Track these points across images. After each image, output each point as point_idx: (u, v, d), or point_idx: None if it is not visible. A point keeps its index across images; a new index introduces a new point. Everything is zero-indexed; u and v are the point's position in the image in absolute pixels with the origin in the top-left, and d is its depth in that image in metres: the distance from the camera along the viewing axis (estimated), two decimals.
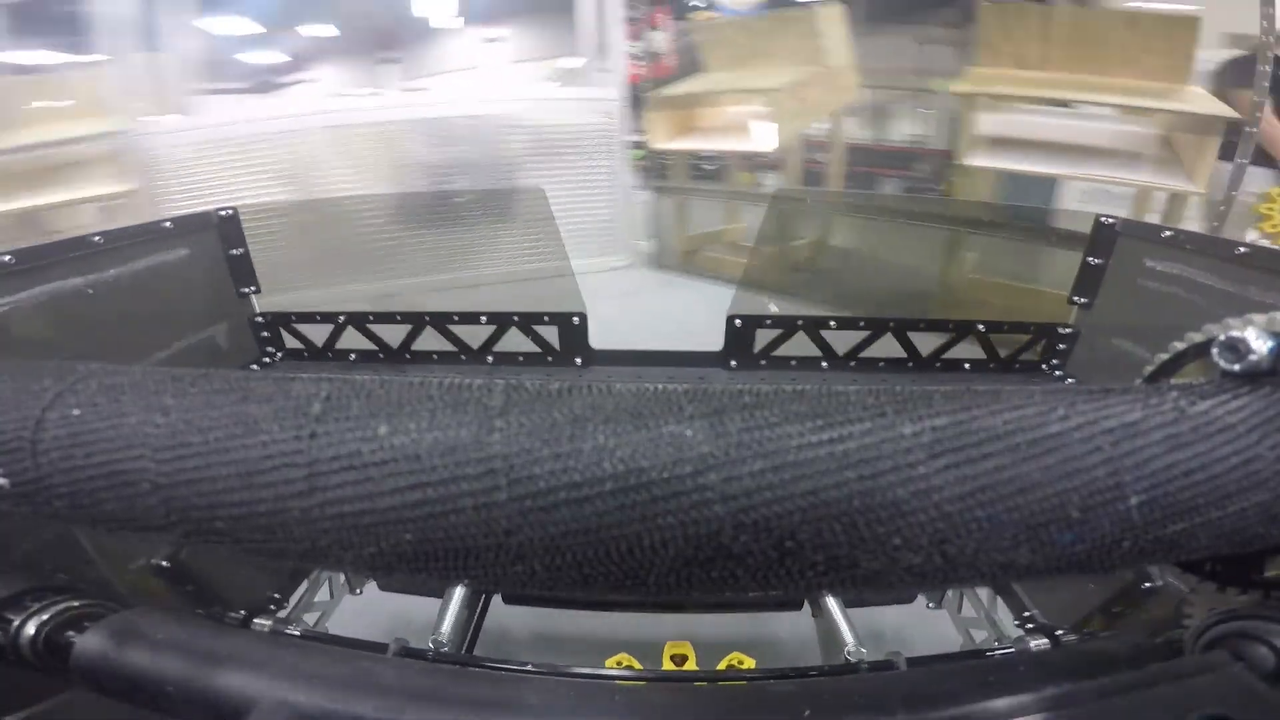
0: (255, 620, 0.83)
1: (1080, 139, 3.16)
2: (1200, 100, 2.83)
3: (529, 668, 0.70)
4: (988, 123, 3.32)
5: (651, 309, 3.91)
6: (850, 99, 4.11)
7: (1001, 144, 3.31)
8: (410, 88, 5.61)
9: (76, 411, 0.28)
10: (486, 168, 4.36)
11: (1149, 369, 0.36)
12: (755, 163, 4.34)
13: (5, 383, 0.30)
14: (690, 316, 3.54)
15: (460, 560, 0.25)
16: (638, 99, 4.39)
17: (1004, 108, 3.31)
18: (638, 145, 4.53)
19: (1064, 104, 3.31)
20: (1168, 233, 0.93)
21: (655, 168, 4.57)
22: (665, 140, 4.28)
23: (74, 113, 3.77)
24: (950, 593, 1.17)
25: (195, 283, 1.10)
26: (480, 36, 6.48)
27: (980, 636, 1.07)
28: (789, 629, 1.60)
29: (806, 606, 0.97)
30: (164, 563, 0.82)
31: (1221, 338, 0.28)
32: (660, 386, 0.27)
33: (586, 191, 4.23)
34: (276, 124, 4.01)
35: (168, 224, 1.03)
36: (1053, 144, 3.22)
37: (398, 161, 4.21)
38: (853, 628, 0.84)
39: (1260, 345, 0.26)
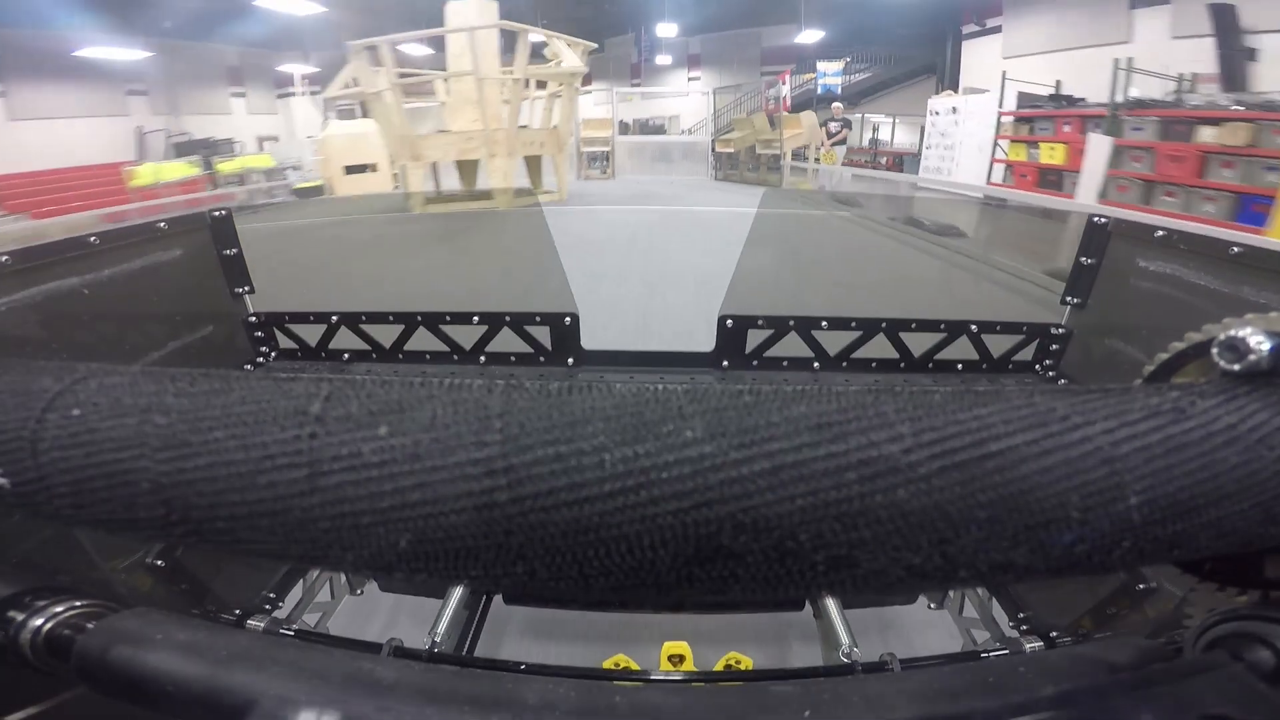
0: (250, 620, 0.83)
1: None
2: (806, 132, 12.53)
3: (523, 668, 0.70)
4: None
5: (707, 185, 13.30)
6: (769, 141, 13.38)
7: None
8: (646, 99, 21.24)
9: (76, 412, 0.28)
10: (660, 158, 15.89)
11: (1149, 369, 0.36)
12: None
13: (5, 383, 0.30)
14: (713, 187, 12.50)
15: (461, 561, 0.25)
16: (712, 140, 16.10)
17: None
18: (714, 149, 15.43)
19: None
20: (1160, 232, 0.93)
21: (718, 156, 15.18)
22: (720, 149, 15.01)
23: (598, 127, 15.32)
24: (951, 593, 1.17)
25: (189, 283, 1.10)
26: (687, 76, 20.60)
27: (982, 637, 1.07)
28: (785, 628, 1.60)
29: (807, 606, 0.97)
30: (158, 561, 0.81)
31: (1221, 337, 0.28)
32: (660, 386, 0.27)
33: (693, 164, 15.47)
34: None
35: (162, 224, 1.02)
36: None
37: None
38: (850, 628, 0.84)
39: (1260, 345, 0.26)
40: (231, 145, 16.09)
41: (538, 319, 1.16)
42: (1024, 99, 9.32)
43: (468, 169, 9.21)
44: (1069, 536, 0.24)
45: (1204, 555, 0.28)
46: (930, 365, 1.16)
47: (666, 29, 18.05)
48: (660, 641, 1.05)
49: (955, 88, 12.35)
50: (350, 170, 11.10)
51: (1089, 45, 9.67)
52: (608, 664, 1.00)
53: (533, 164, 9.46)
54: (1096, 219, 1.05)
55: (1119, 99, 7.44)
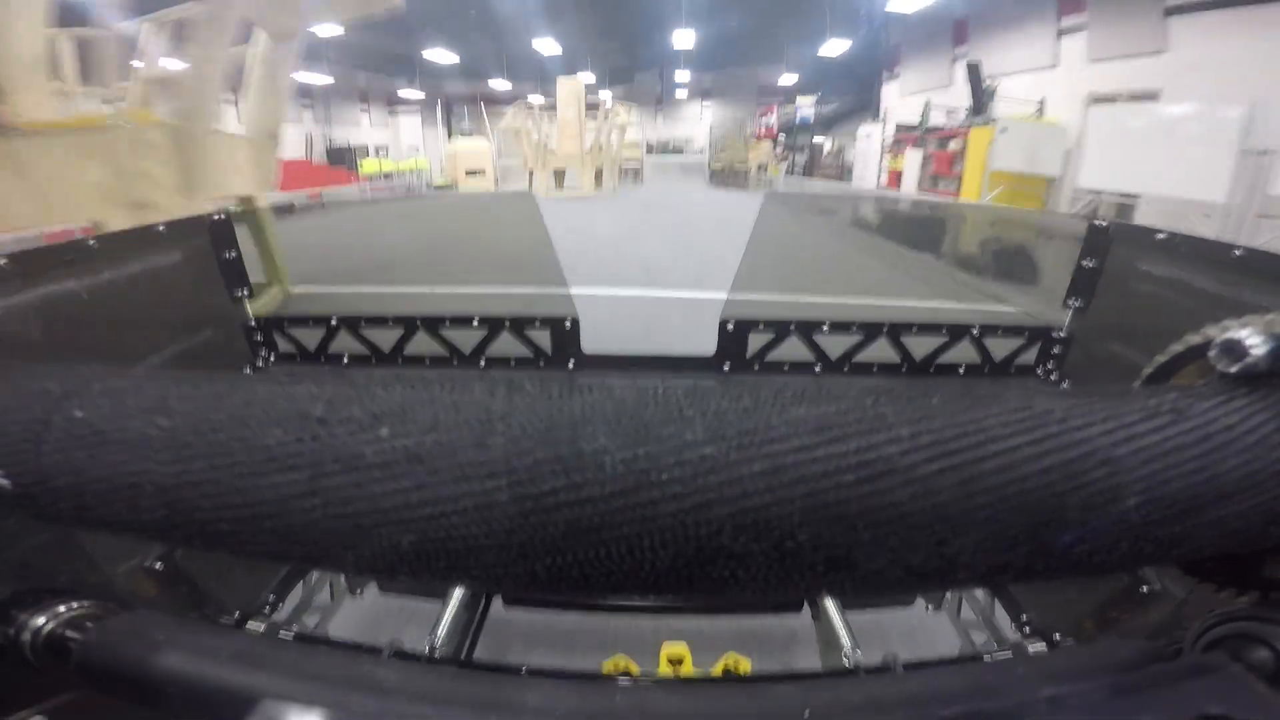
0: (250, 622, 0.82)
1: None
2: (763, 154, 19.77)
3: (524, 670, 0.70)
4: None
5: (704, 188, 18.42)
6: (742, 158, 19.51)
7: None
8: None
9: (80, 414, 0.28)
10: (675, 171, 22.76)
11: (1147, 371, 0.36)
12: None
13: (9, 385, 0.30)
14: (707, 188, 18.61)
15: (462, 561, 0.25)
16: (708, 159, 21.32)
17: None
18: (709, 165, 20.55)
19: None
20: (1161, 235, 0.92)
21: (711, 170, 19.91)
22: (713, 165, 19.98)
23: (631, 149, 19.71)
24: (949, 595, 1.16)
25: (189, 286, 1.09)
26: (700, 105, 29.21)
27: (980, 640, 1.06)
28: (785, 630, 1.60)
29: (806, 609, 0.97)
30: (159, 564, 0.81)
31: (1218, 340, 0.28)
32: (660, 388, 0.27)
33: (696, 174, 20.97)
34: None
35: (161, 228, 1.01)
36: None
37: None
38: (851, 631, 0.83)
39: (1257, 348, 0.27)
40: (368, 151, 22.33)
41: (538, 323, 1.15)
42: (899, 128, 13.81)
43: (559, 174, 15.73)
44: (1068, 537, 0.24)
45: (1203, 556, 0.28)
46: (932, 369, 1.16)
47: (682, 74, 25.23)
48: (659, 643, 1.05)
49: (877, 118, 17.60)
50: (469, 173, 18.31)
51: (935, 88, 14.22)
52: (607, 665, 0.99)
53: (598, 172, 15.82)
54: (1098, 222, 1.04)
55: (927, 125, 12.03)
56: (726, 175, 19.53)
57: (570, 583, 0.25)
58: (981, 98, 10.39)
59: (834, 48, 17.10)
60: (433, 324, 1.17)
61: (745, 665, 1.00)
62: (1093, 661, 0.32)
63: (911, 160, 11.96)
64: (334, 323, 1.18)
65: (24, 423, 0.28)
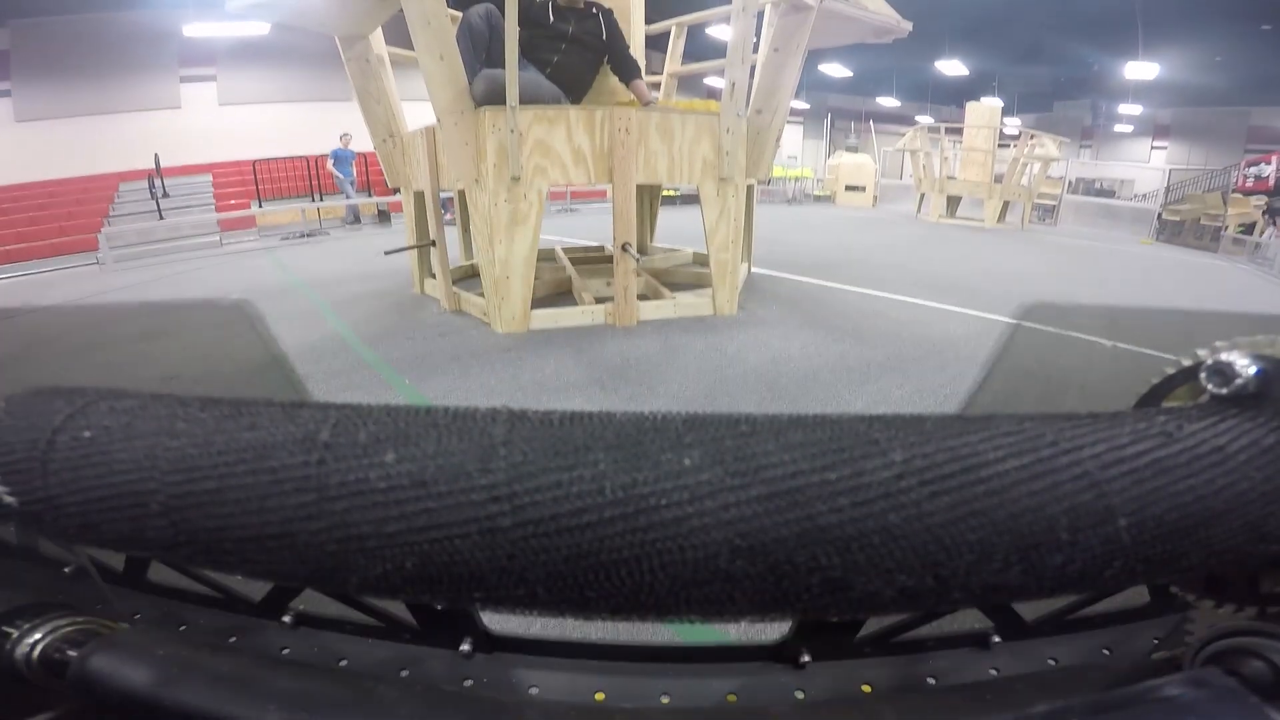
0: (246, 640, 0.82)
1: None
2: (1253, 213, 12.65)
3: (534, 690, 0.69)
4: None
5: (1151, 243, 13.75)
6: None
7: None
8: None
9: (88, 434, 0.28)
10: (1103, 216, 16.03)
11: (1140, 393, 0.37)
12: None
13: (16, 404, 0.31)
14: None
15: (463, 584, 0.25)
16: (1160, 209, 14.43)
17: None
18: (1160, 216, 14.75)
19: None
20: None
21: (1163, 222, 13.79)
22: (1168, 216, 14.55)
23: (1052, 185, 16.45)
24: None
25: None
26: (1150, 145, 21.86)
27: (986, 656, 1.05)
28: (783, 683, 1.58)
29: (804, 658, 0.96)
30: (155, 579, 0.81)
31: (1209, 362, 0.28)
32: (659, 415, 0.28)
33: (1138, 225, 14.64)
34: None
35: None
36: None
37: None
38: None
39: (1246, 369, 0.27)
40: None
41: None
42: None
43: (953, 201, 14.64)
44: (1059, 558, 0.24)
45: (1197, 573, 0.28)
46: None
47: (1128, 108, 20.84)
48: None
49: None
50: (849, 188, 17.79)
51: None
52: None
53: (1005, 206, 14.13)
54: None
55: None
56: (1185, 230, 14.71)
57: (569, 604, 0.25)
58: None
59: None
60: None
61: None
62: (1092, 677, 0.32)
63: None
64: None
65: (30, 441, 0.29)
